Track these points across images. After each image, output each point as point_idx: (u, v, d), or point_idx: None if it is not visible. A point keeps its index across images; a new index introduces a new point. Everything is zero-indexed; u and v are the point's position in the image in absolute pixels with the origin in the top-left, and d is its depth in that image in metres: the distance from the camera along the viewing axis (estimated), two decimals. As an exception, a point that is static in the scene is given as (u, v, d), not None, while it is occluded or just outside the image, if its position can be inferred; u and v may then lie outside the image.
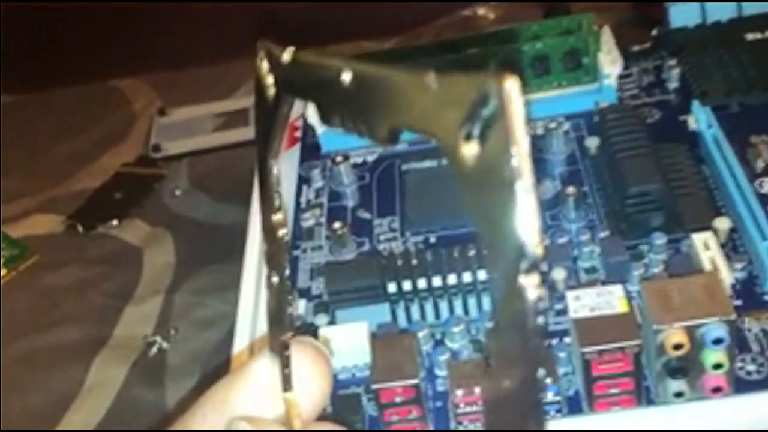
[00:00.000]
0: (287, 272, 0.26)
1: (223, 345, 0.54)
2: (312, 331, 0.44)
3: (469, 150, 0.17)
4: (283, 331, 0.26)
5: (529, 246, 0.17)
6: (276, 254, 0.26)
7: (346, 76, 0.21)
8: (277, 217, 0.26)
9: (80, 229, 0.67)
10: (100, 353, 0.58)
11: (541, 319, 0.17)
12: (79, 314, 0.62)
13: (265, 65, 0.24)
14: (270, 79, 0.24)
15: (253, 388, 0.26)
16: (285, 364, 0.26)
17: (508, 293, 0.17)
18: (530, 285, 0.17)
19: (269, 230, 0.26)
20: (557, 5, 0.56)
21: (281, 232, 0.26)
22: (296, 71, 0.24)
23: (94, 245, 0.66)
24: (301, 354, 0.26)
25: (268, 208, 0.26)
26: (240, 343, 0.45)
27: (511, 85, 0.17)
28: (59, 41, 0.86)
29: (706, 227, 0.44)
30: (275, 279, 0.26)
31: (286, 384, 0.26)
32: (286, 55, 0.24)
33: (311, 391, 0.26)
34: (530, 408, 0.18)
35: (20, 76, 0.82)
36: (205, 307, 0.59)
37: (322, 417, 0.28)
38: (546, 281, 0.44)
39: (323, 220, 0.51)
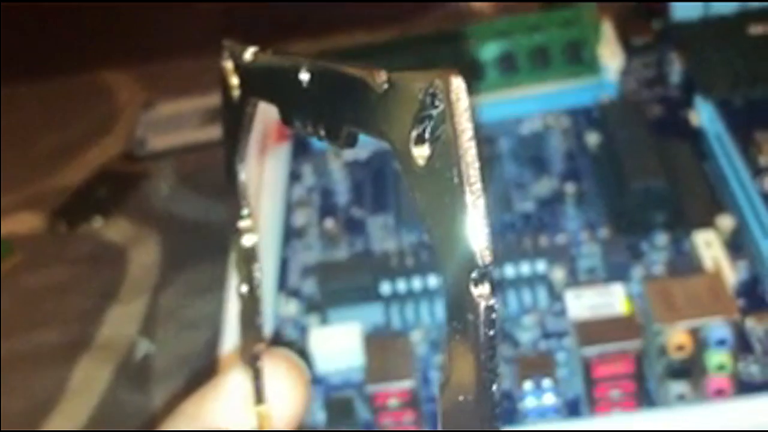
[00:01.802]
0: (257, 281, 0.25)
1: (209, 346, 0.52)
2: (299, 336, 0.43)
3: (420, 152, 0.17)
4: (254, 342, 0.25)
5: (478, 254, 0.16)
6: (243, 262, 0.25)
7: (304, 76, 0.20)
8: (244, 223, 0.25)
9: (63, 227, 0.65)
10: (84, 355, 0.57)
11: (492, 331, 0.16)
12: (62, 315, 0.60)
13: (229, 65, 0.24)
14: (235, 80, 0.24)
15: (225, 402, 0.26)
16: (256, 376, 0.25)
17: (458, 303, 0.16)
18: (481, 295, 0.16)
19: (236, 237, 0.25)
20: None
21: (249, 239, 0.25)
22: (258, 71, 0.23)
23: (77, 244, 0.65)
24: (275, 367, 0.25)
25: (235, 214, 0.25)
26: (227, 344, 0.43)
27: (457, 83, 0.16)
28: (42, 33, 0.85)
29: (709, 225, 0.42)
30: (244, 289, 0.25)
31: (258, 396, 0.25)
32: (248, 55, 0.23)
33: (286, 404, 0.26)
34: (485, 421, 0.17)
35: (1, 68, 0.80)
36: (191, 308, 0.58)
37: (307, 426, 0.27)
38: (545, 281, 0.42)
39: (315, 218, 0.50)
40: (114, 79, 0.80)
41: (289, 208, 0.51)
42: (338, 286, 0.43)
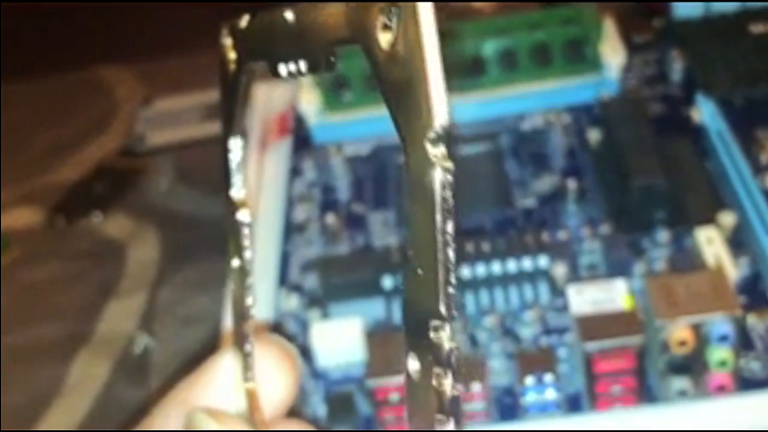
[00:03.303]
0: (248, 256, 0.25)
1: (208, 341, 0.52)
2: (300, 331, 0.43)
3: (385, 38, 0.18)
4: (243, 319, 0.25)
5: (435, 113, 0.16)
6: (235, 236, 0.25)
7: (289, 15, 0.21)
8: (237, 195, 0.25)
9: (62, 222, 0.65)
10: (83, 350, 0.57)
11: (448, 194, 0.17)
12: (61, 310, 0.60)
13: (228, 41, 0.24)
14: (232, 54, 0.24)
15: (214, 385, 0.26)
16: (245, 354, 0.25)
17: (416, 168, 0.17)
18: (437, 155, 0.17)
19: (230, 211, 0.25)
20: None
21: (241, 212, 0.25)
22: (250, 33, 0.24)
23: (76, 239, 0.65)
24: (265, 351, 0.26)
25: (227, 186, 0.25)
26: (226, 340, 0.43)
27: None
28: (40, 30, 0.85)
29: (710, 222, 0.42)
30: (236, 262, 0.25)
31: (247, 375, 0.25)
32: (243, 22, 0.24)
33: (276, 387, 0.26)
34: (440, 289, 0.17)
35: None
36: (190, 303, 0.58)
37: (295, 414, 0.27)
38: (547, 277, 0.42)
39: (316, 213, 0.50)
40: (112, 75, 0.80)
41: (290, 203, 0.50)
42: (339, 281, 0.43)
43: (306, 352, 0.41)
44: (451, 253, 0.17)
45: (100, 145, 0.72)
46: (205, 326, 0.55)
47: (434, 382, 0.18)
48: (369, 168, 0.51)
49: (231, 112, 0.25)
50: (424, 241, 0.17)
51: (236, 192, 0.25)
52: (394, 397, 0.37)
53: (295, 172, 0.52)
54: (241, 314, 0.25)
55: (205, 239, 0.61)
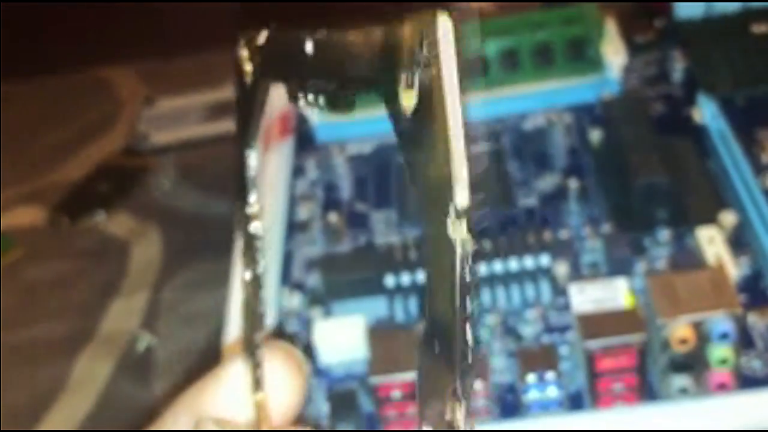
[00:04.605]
0: (261, 269, 0.25)
1: (211, 340, 0.52)
2: (302, 329, 0.43)
3: (409, 100, 0.17)
4: (255, 330, 0.25)
5: (458, 192, 0.16)
6: (249, 248, 0.25)
7: (309, 45, 0.21)
8: (252, 209, 0.25)
9: (65, 221, 0.65)
10: (86, 349, 0.57)
11: (468, 272, 0.17)
12: (64, 308, 0.60)
13: (244, 53, 0.24)
14: (248, 67, 0.24)
15: (224, 392, 0.26)
16: (256, 365, 0.25)
17: (436, 244, 0.17)
18: (458, 233, 0.16)
19: (243, 223, 0.25)
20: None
21: (255, 225, 0.25)
22: (269, 52, 0.23)
23: (79, 238, 0.65)
24: (272, 358, 0.26)
25: (242, 198, 0.25)
26: (230, 337, 0.43)
27: (444, 25, 0.16)
28: (43, 29, 0.85)
29: (711, 221, 0.43)
30: (248, 275, 0.25)
31: (257, 385, 0.25)
32: (261, 38, 0.23)
33: (283, 395, 0.26)
34: (456, 370, 0.17)
35: (3, 64, 0.80)
36: (193, 302, 0.58)
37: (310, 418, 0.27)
38: (548, 275, 0.42)
39: (318, 212, 0.50)
40: (115, 75, 0.80)
41: (293, 202, 0.51)
42: (342, 279, 0.43)
43: (309, 350, 0.41)
44: (469, 331, 0.17)
45: (103, 145, 0.72)
46: (207, 324, 0.55)
47: None
48: (371, 167, 0.51)
49: (246, 124, 0.25)
50: (440, 317, 0.17)
51: (251, 206, 0.25)
52: (397, 394, 0.37)
53: (297, 171, 0.53)
54: (253, 324, 0.25)
55: (207, 238, 0.61)
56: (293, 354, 0.26)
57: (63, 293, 0.61)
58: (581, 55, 0.52)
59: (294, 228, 0.49)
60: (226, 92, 0.72)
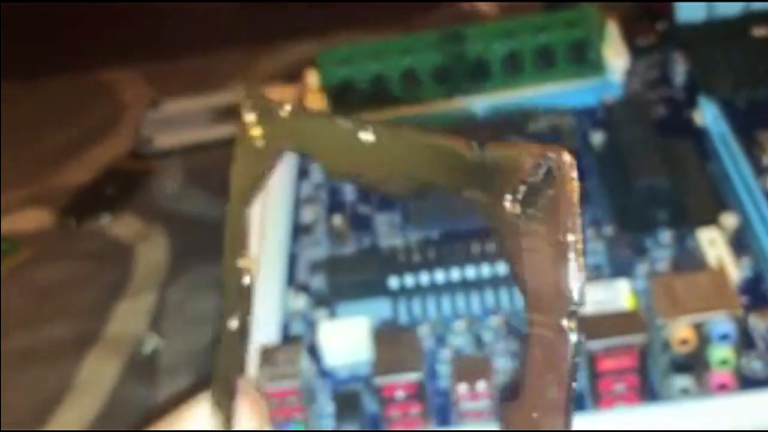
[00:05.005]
0: (249, 319, 0.25)
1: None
2: (307, 331, 0.44)
3: (515, 209, 0.19)
4: (233, 375, 0.25)
5: (575, 295, 0.18)
6: (238, 300, 0.25)
7: (367, 136, 0.21)
8: (244, 261, 0.24)
9: (71, 224, 0.66)
10: (92, 350, 0.57)
11: (577, 360, 0.19)
12: (70, 310, 0.61)
13: (251, 117, 0.23)
14: (257, 131, 0.23)
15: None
16: (228, 409, 0.25)
17: (547, 335, 0.18)
18: (571, 329, 0.18)
19: (233, 275, 0.24)
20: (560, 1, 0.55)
21: (247, 278, 0.24)
22: (296, 126, 0.23)
23: (85, 241, 0.65)
24: (239, 405, 0.26)
25: (234, 250, 0.24)
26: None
27: (570, 160, 0.18)
28: (47, 31, 0.85)
29: (712, 222, 0.43)
30: (233, 323, 0.25)
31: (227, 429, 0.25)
32: (284, 113, 0.23)
33: None
34: None
35: (4, 66, 0.81)
36: (199, 304, 0.58)
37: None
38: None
39: (323, 215, 0.50)
40: (119, 77, 0.80)
41: (298, 204, 0.51)
42: (346, 281, 0.44)
43: (314, 351, 0.42)
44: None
45: (109, 148, 0.72)
46: (213, 326, 0.56)
47: None
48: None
49: (250, 186, 0.24)
50: (545, 397, 0.19)
51: (243, 258, 0.24)
52: (400, 394, 0.37)
53: (302, 174, 0.53)
54: (232, 369, 0.25)
55: (212, 240, 0.61)
56: (257, 400, 0.26)
57: (69, 295, 0.62)
58: (583, 58, 0.52)
59: (299, 230, 0.50)
60: (231, 94, 0.72)
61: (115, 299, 0.60)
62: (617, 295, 0.39)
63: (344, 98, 0.53)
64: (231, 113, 0.70)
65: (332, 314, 0.44)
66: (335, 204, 0.51)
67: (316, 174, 0.53)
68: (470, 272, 0.43)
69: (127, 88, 0.79)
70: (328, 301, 0.44)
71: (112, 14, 0.85)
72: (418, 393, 0.38)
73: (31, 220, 0.68)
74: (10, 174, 0.71)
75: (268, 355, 0.39)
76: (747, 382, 0.38)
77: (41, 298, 0.62)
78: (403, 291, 0.43)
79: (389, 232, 0.48)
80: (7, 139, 0.74)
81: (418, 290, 0.43)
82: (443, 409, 0.39)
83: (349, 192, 0.51)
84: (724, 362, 0.36)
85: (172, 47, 0.79)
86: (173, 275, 0.61)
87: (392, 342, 0.39)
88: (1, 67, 0.80)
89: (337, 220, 0.49)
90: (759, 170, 0.45)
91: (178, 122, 0.71)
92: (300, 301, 0.45)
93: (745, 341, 0.38)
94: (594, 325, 0.37)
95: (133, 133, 0.73)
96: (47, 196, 0.69)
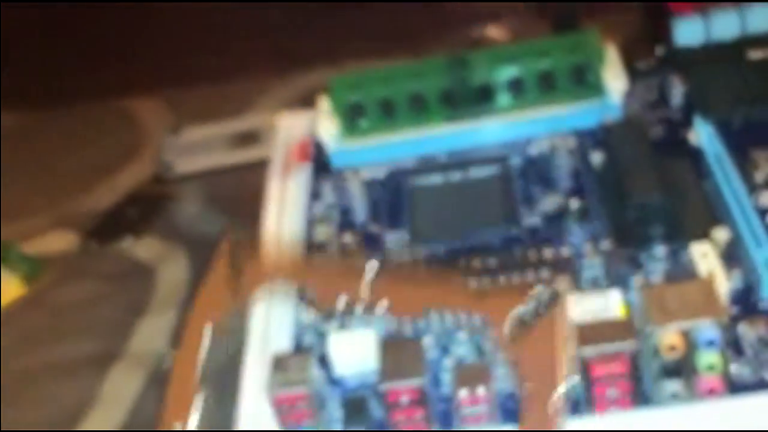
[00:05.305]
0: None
1: (234, 357, 0.55)
2: (317, 342, 0.46)
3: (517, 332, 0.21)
4: None
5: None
6: None
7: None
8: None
9: (95, 246, 0.68)
10: (115, 365, 0.60)
11: None
12: (94, 328, 0.63)
13: (226, 249, 0.25)
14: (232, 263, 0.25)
15: None
16: None
17: None
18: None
19: None
20: (567, 21, 0.58)
21: None
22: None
23: (108, 262, 0.68)
24: None
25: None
26: (252, 358, 0.46)
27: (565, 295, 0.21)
28: (67, 58, 0.88)
29: (705, 237, 0.45)
30: None
31: None
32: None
33: None
34: None
35: (26, 94, 0.84)
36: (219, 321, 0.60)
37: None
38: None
39: (334, 233, 0.52)
40: (139, 104, 0.83)
41: (310, 223, 0.53)
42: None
43: (324, 361, 0.44)
44: None
45: (131, 173, 0.75)
46: (231, 342, 0.58)
47: None
48: (384, 190, 0.54)
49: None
50: None
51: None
52: (405, 399, 0.40)
53: (314, 195, 0.55)
54: None
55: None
56: None
57: (93, 313, 0.64)
58: (583, 81, 0.55)
59: (311, 248, 0.52)
60: (249, 120, 0.75)
61: (138, 317, 0.63)
62: (610, 305, 0.41)
63: (354, 121, 0.56)
64: (248, 139, 0.73)
65: (342, 326, 0.46)
66: (346, 223, 0.53)
67: (329, 195, 0.55)
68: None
69: (147, 115, 0.81)
70: (337, 314, 0.47)
71: (132, 44, 0.88)
72: (420, 398, 0.40)
73: (55, 242, 0.70)
74: (35, 198, 0.74)
75: (279, 362, 0.42)
76: (736, 387, 0.39)
77: (65, 316, 0.65)
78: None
79: (397, 248, 0.50)
80: (32, 165, 0.77)
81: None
82: (446, 414, 0.41)
83: (359, 212, 0.53)
84: (711, 367, 0.38)
85: (192, 75, 0.82)
86: (193, 294, 0.63)
87: (397, 351, 0.41)
88: (27, 94, 0.83)
89: (348, 238, 0.51)
90: (751, 187, 0.47)
91: (198, 148, 0.74)
92: (310, 315, 0.47)
93: (735, 349, 0.40)
94: (588, 333, 0.39)
95: (154, 158, 0.75)
96: (71, 219, 0.71)
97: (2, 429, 0.56)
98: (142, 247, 0.68)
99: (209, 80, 0.81)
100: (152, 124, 0.80)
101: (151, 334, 0.61)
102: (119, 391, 0.58)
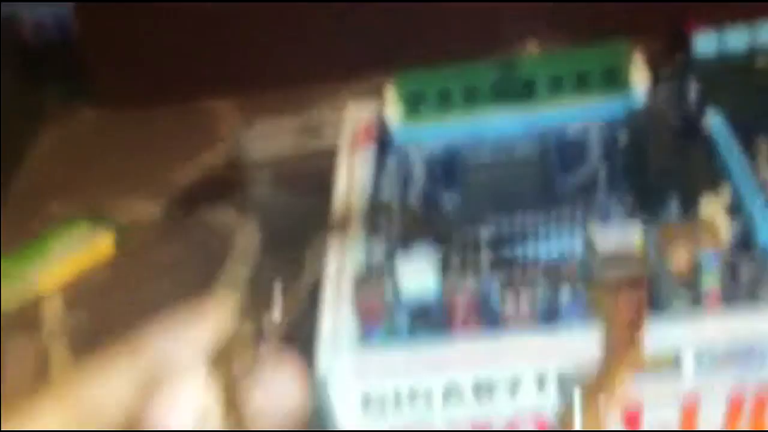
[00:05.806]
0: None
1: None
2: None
3: None
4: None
5: None
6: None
7: None
8: None
9: (178, 215, 0.78)
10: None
11: None
12: (177, 286, 0.72)
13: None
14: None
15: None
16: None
17: None
18: None
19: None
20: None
21: None
22: None
23: (189, 230, 0.77)
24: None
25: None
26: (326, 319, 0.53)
27: None
28: (154, 60, 0.99)
29: (712, 192, 0.54)
30: None
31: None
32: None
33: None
34: None
35: (126, 95, 0.94)
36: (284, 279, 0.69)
37: None
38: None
39: (397, 195, 0.61)
40: (216, 105, 0.93)
41: (376, 188, 0.62)
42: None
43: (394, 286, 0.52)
44: None
45: (209, 158, 0.85)
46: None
47: None
48: (440, 162, 0.63)
49: None
50: None
51: None
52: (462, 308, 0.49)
53: (379, 167, 0.64)
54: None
55: (298, 230, 0.73)
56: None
57: (176, 274, 0.73)
58: (614, 82, 0.64)
59: (376, 207, 0.61)
60: (315, 116, 0.85)
61: (215, 278, 0.72)
62: (629, 234, 0.50)
63: (416, 107, 0.65)
64: (312, 131, 0.83)
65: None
66: (407, 187, 0.62)
67: (392, 167, 0.64)
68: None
69: (223, 114, 0.92)
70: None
71: (210, 49, 0.98)
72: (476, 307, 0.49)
73: (143, 212, 0.80)
74: (128, 176, 0.84)
75: (360, 279, 0.51)
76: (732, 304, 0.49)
77: (151, 277, 0.74)
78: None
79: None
80: (124, 151, 0.87)
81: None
82: (494, 322, 0.50)
83: (420, 181, 0.62)
84: (712, 283, 0.48)
85: (263, 80, 0.92)
86: (264, 262, 0.73)
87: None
88: (119, 95, 0.93)
89: (410, 198, 0.60)
90: (753, 161, 0.57)
91: (268, 138, 0.83)
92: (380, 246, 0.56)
93: (732, 273, 0.49)
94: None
95: (231, 147, 0.85)
96: (158, 192, 0.81)
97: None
98: (220, 218, 0.77)
99: (278, 85, 0.91)
100: (228, 122, 0.90)
101: (227, 286, 0.70)
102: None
